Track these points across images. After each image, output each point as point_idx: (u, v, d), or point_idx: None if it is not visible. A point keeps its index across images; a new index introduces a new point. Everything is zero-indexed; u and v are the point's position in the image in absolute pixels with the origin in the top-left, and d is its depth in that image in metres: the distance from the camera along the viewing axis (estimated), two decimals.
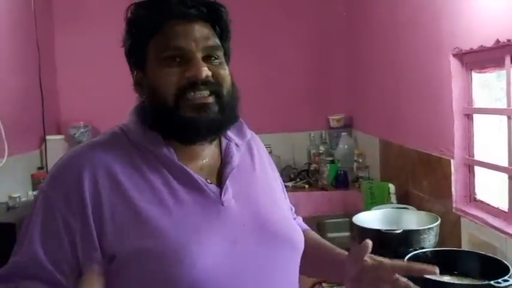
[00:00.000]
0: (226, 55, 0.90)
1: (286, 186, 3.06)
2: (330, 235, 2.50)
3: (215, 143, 0.92)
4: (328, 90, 3.25)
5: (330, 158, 2.96)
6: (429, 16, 1.93)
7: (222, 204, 0.85)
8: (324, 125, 3.23)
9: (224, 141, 0.94)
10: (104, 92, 2.96)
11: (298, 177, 3.02)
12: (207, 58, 0.84)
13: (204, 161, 0.89)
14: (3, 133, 2.15)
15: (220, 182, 0.88)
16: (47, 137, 2.78)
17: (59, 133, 2.99)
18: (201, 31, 0.84)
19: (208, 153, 0.90)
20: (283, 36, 3.21)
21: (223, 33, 0.88)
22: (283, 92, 3.23)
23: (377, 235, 1.56)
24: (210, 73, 0.83)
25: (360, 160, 2.83)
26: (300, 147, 3.23)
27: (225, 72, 0.86)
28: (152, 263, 0.76)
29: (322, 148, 3.10)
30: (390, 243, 1.53)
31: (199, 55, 0.83)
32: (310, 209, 2.68)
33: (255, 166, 0.96)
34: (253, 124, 3.59)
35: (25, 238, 0.79)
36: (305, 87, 3.24)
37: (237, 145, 0.94)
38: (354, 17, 3.08)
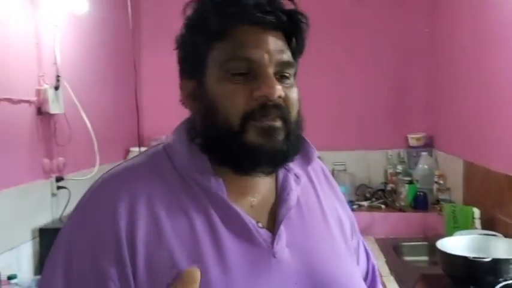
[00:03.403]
0: (294, 73, 0.74)
1: (360, 206, 3.02)
2: (407, 258, 2.41)
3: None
4: (407, 108, 3.16)
5: (408, 178, 2.86)
6: None
7: (274, 256, 0.69)
8: (403, 144, 3.14)
9: (282, 172, 0.78)
10: (185, 108, 3.08)
11: (373, 196, 2.95)
12: (278, 76, 0.70)
13: (257, 196, 0.74)
14: (95, 145, 2.31)
15: (273, 225, 0.72)
16: (131, 149, 2.95)
17: (142, 145, 3.15)
18: (275, 43, 0.69)
19: (263, 186, 0.75)
20: (361, 52, 3.17)
21: (297, 49, 0.74)
22: (360, 108, 3.18)
23: (464, 263, 1.48)
24: (283, 94, 0.69)
25: (441, 182, 2.71)
26: (376, 166, 3.15)
27: (294, 96, 0.72)
28: None
29: (399, 167, 3.01)
30: (478, 272, 1.44)
31: (271, 70, 0.68)
32: (387, 230, 2.60)
33: (319, 201, 0.80)
34: (327, 140, 3.60)
35: (48, 278, 0.67)
36: (383, 105, 3.17)
37: (296, 176, 0.78)
38: (436, 34, 2.98)
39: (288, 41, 0.72)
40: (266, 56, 0.68)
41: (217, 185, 0.70)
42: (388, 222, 2.64)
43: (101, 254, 0.64)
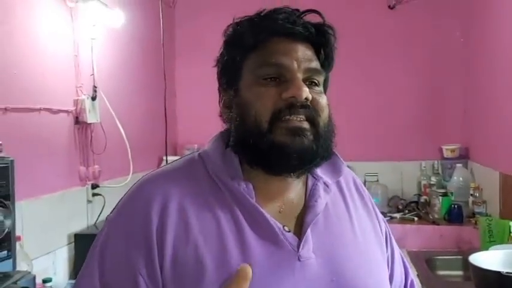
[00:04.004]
0: (325, 85, 0.80)
1: (393, 218, 2.96)
2: (441, 273, 2.35)
3: (302, 181, 0.79)
4: (442, 118, 3.10)
5: (443, 190, 2.80)
6: None
7: (299, 259, 0.71)
8: (437, 155, 3.07)
9: (311, 180, 0.80)
10: (216, 117, 3.13)
11: (406, 208, 2.89)
12: (309, 83, 0.74)
13: (285, 202, 0.76)
14: (129, 153, 2.37)
15: (299, 231, 0.74)
16: (164, 157, 3.00)
17: (175, 154, 3.21)
18: (304, 52, 0.75)
19: (292, 192, 0.78)
20: (396, 62, 3.14)
21: (326, 60, 0.78)
22: (394, 119, 3.14)
23: (497, 278, 1.43)
24: (310, 96, 0.72)
25: (477, 194, 2.64)
26: (410, 177, 3.10)
27: (323, 101, 0.75)
28: None
29: (433, 179, 2.95)
30: (510, 287, 1.40)
31: (299, 75, 0.73)
32: (420, 243, 2.55)
33: (349, 212, 0.82)
34: (360, 151, 3.56)
35: (86, 271, 0.72)
36: (417, 115, 3.12)
37: (326, 185, 0.80)
38: (471, 43, 2.92)
39: (317, 52, 0.77)
40: (295, 63, 0.74)
41: (247, 190, 0.73)
42: (421, 235, 2.58)
43: (132, 247, 0.69)
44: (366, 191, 0.90)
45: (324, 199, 0.78)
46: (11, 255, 1.38)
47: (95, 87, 2.23)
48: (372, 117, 3.16)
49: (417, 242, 2.56)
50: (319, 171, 0.80)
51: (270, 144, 0.71)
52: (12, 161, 1.41)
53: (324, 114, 0.75)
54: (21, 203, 1.79)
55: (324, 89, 0.79)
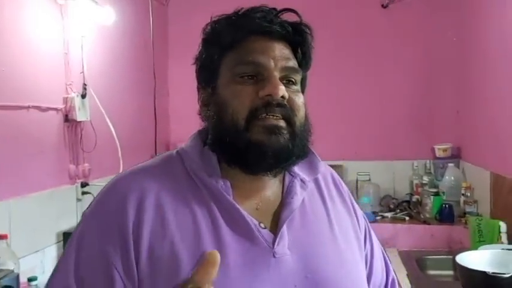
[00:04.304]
0: (303, 85, 0.80)
1: (384, 217, 2.95)
2: (431, 272, 2.36)
3: (279, 179, 0.80)
4: (434, 118, 3.10)
5: (434, 190, 2.80)
6: None
7: (274, 256, 0.71)
8: (429, 155, 3.07)
9: (288, 178, 0.81)
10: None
11: (398, 208, 2.89)
12: (285, 82, 0.75)
13: (262, 200, 0.77)
14: (119, 152, 2.36)
15: (276, 228, 0.75)
16: (154, 155, 2.99)
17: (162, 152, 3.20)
18: (281, 50, 0.75)
19: (269, 190, 0.78)
20: (389, 61, 3.14)
21: (303, 59, 0.78)
22: (385, 118, 3.14)
23: (482, 278, 1.43)
24: (287, 94, 0.73)
25: (468, 194, 2.64)
26: (402, 177, 3.10)
27: (300, 100, 0.76)
28: None
29: (426, 179, 2.95)
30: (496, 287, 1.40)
31: (276, 74, 0.74)
32: (410, 243, 2.55)
33: (326, 210, 0.82)
34: (351, 150, 3.54)
35: (61, 266, 0.72)
36: (409, 114, 3.12)
37: (303, 182, 0.81)
38: (465, 43, 2.92)
39: (294, 51, 0.78)
40: (272, 61, 0.74)
41: (224, 187, 0.73)
42: (411, 234, 2.59)
43: (108, 242, 0.69)
44: (345, 187, 0.90)
45: (300, 196, 0.79)
46: None
47: (85, 85, 2.22)
48: (364, 116, 3.15)
49: (408, 241, 2.56)
50: (296, 168, 0.81)
51: (247, 143, 0.71)
52: None
53: (300, 113, 0.76)
54: (9, 202, 1.78)
55: (302, 88, 0.80)
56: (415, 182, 3.01)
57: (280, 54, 0.75)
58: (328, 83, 3.09)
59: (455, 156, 3.00)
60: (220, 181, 0.74)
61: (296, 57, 0.78)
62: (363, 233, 0.86)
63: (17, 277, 1.42)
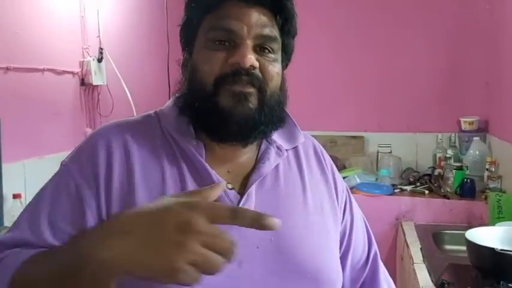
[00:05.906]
0: (286, 53, 0.78)
1: (403, 190, 2.88)
2: (447, 247, 2.30)
3: (256, 145, 0.80)
4: (462, 90, 2.97)
5: (458, 164, 2.71)
6: None
7: None
8: (454, 127, 2.97)
9: (265, 145, 0.81)
10: None
11: (418, 181, 2.82)
12: (261, 49, 0.74)
13: (235, 164, 0.77)
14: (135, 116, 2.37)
15: (244, 190, 0.75)
16: None
17: None
18: (258, 17, 0.73)
19: (243, 156, 0.79)
20: (416, 31, 3.00)
21: (284, 26, 0.75)
22: (410, 89, 3.03)
23: (490, 254, 1.39)
24: (257, 64, 0.72)
25: (492, 169, 2.54)
26: (425, 150, 3.01)
27: (274, 69, 0.74)
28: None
29: (450, 152, 2.85)
30: (504, 265, 1.35)
31: (249, 42, 0.72)
32: (428, 217, 2.49)
33: (303, 180, 0.81)
34: (374, 121, 3.45)
35: (31, 208, 0.75)
36: (435, 86, 3.00)
37: (279, 149, 0.81)
38: (497, 12, 2.76)
39: (276, 19, 0.75)
40: (245, 28, 0.72)
41: (197, 148, 0.74)
42: (430, 208, 2.52)
43: (83, 183, 0.71)
44: (328, 158, 0.89)
45: (274, 162, 0.79)
46: None
47: (101, 49, 2.23)
48: (388, 87, 3.06)
49: (426, 215, 2.51)
50: (275, 137, 0.81)
51: (213, 108, 0.71)
52: None
53: (273, 83, 0.74)
54: (24, 162, 1.83)
55: (287, 55, 0.78)
56: (439, 155, 2.91)
57: (257, 21, 0.72)
58: (350, 53, 3.00)
59: (482, 129, 2.88)
60: (193, 142, 0.75)
61: (277, 24, 0.75)
62: (342, 205, 0.86)
63: None
